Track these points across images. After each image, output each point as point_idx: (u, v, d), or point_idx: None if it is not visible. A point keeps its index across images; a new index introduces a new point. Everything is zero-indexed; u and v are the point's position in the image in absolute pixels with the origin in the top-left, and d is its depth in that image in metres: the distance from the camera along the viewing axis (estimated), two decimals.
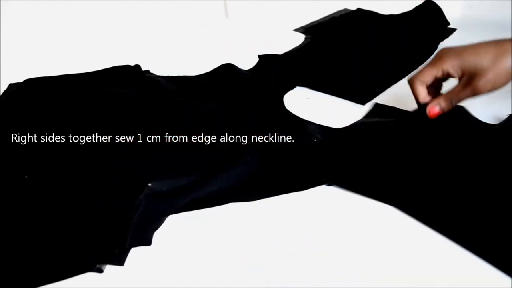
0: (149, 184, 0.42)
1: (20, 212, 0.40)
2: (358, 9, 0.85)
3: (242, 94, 0.58)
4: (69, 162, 0.46)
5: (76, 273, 0.34)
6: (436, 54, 0.47)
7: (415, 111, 0.50)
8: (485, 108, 0.51)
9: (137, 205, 0.40)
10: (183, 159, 0.46)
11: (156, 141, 0.48)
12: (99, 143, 0.48)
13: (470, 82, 0.44)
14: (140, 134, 0.49)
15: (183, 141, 0.48)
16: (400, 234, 0.38)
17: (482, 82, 0.43)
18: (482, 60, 0.44)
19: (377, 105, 0.56)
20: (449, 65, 0.45)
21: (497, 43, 0.46)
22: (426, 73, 0.46)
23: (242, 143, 0.48)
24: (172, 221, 0.39)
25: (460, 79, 0.45)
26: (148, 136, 0.49)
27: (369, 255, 0.35)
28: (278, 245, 0.37)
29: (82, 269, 0.35)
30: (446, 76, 0.46)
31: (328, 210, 0.40)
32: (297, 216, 0.40)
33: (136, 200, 0.40)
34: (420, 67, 0.50)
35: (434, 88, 0.48)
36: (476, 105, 0.49)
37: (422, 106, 0.47)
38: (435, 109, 0.46)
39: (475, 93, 0.44)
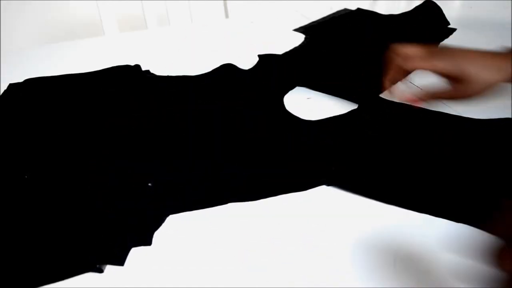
0: (149, 184, 0.42)
1: (20, 212, 0.40)
2: (358, 9, 0.85)
3: (242, 94, 0.58)
4: (69, 162, 0.46)
5: (76, 273, 0.34)
6: (431, 49, 0.49)
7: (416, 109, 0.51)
8: (486, 109, 0.51)
9: (137, 205, 0.40)
10: (183, 159, 0.46)
11: (156, 141, 0.48)
12: (99, 143, 0.48)
13: (456, 85, 0.46)
14: (140, 134, 0.49)
15: (183, 141, 0.48)
16: (400, 234, 0.38)
17: (465, 88, 0.46)
18: (471, 67, 0.46)
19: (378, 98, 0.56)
20: (443, 63, 0.47)
21: (493, 56, 0.47)
22: (420, 63, 0.48)
23: (242, 143, 0.48)
24: (172, 221, 0.39)
25: (447, 78, 0.47)
26: (148, 136, 0.49)
27: (369, 255, 0.35)
28: (278, 245, 0.37)
29: (82, 269, 0.35)
30: (432, 71, 0.48)
31: (328, 210, 0.40)
32: (297, 216, 0.40)
33: (136, 200, 0.40)
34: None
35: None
36: (476, 107, 0.49)
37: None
38: (413, 98, 0.50)
39: (456, 96, 0.47)
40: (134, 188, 0.42)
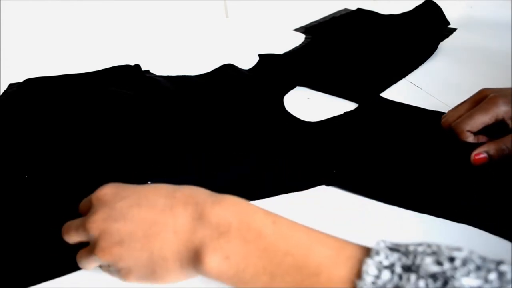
0: (149, 182, 0.42)
1: (21, 212, 0.40)
2: (358, 9, 0.85)
3: (242, 94, 0.58)
4: (69, 162, 0.46)
5: (76, 269, 0.34)
6: (488, 99, 0.42)
7: (415, 108, 0.50)
8: None
9: None
10: (182, 159, 0.46)
11: (155, 141, 0.48)
12: (98, 142, 0.48)
13: None
14: (139, 134, 0.49)
15: (182, 141, 0.48)
16: (400, 234, 0.38)
17: None
18: None
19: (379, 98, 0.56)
20: (504, 112, 0.41)
21: None
22: (478, 121, 0.42)
23: (242, 143, 0.48)
24: None
25: None
26: (147, 136, 0.49)
27: None
28: None
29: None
30: (497, 122, 0.42)
31: (328, 210, 0.40)
32: (297, 216, 0.40)
33: None
34: (462, 111, 0.44)
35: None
36: None
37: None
38: (481, 156, 0.41)
39: None
40: None
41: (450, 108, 0.50)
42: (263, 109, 0.55)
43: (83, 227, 0.29)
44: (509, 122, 0.41)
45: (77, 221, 0.31)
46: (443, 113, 0.51)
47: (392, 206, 0.40)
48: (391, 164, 0.45)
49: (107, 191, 0.30)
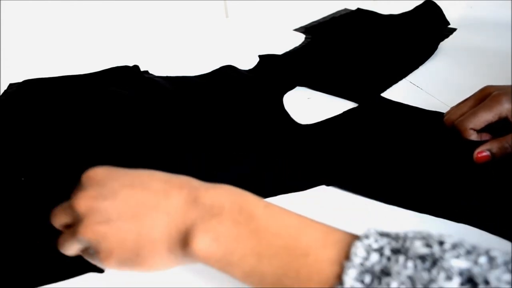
0: None
1: (20, 213, 0.40)
2: (358, 9, 0.85)
3: (242, 95, 0.58)
4: (67, 163, 0.46)
5: (77, 273, 0.34)
6: (492, 97, 0.42)
7: (415, 108, 0.50)
8: None
9: None
10: (182, 159, 0.46)
11: (154, 141, 0.48)
12: (96, 144, 0.48)
13: None
14: (138, 135, 0.49)
15: (181, 141, 0.48)
16: None
17: None
18: None
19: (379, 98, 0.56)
20: (508, 110, 0.40)
21: None
22: (481, 119, 0.42)
23: (242, 143, 0.48)
24: None
25: None
26: (146, 137, 0.49)
27: None
28: None
29: (82, 269, 0.35)
30: (500, 120, 0.41)
31: (328, 210, 0.40)
32: None
33: None
34: (470, 110, 0.43)
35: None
36: None
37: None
38: (484, 154, 0.41)
39: None
40: None
41: (450, 108, 0.50)
42: (263, 110, 0.55)
43: (70, 206, 0.28)
44: None
45: (64, 204, 0.29)
46: (443, 113, 0.51)
47: (392, 206, 0.40)
48: (391, 164, 0.45)
49: (99, 171, 0.28)
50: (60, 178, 0.44)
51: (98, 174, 0.28)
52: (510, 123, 0.41)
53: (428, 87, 0.59)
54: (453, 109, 0.46)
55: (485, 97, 0.43)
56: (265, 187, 0.43)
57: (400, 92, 0.59)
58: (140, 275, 0.34)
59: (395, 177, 0.43)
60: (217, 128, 0.51)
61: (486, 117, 0.41)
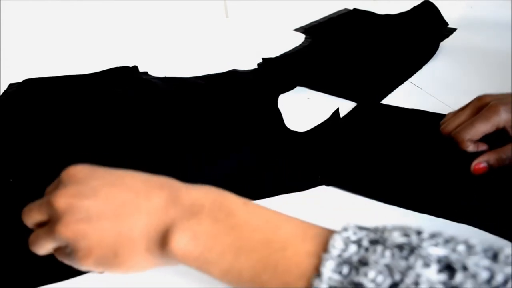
0: None
1: (16, 214, 0.40)
2: (355, 9, 0.85)
3: (242, 96, 0.58)
4: (65, 163, 0.45)
5: (77, 273, 0.34)
6: (489, 107, 0.41)
7: (414, 110, 0.50)
8: None
9: None
10: (181, 160, 0.46)
11: (153, 142, 0.48)
12: (94, 145, 0.48)
13: None
14: (136, 136, 0.49)
15: (181, 141, 0.48)
16: None
17: None
18: None
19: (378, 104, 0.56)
20: (505, 120, 0.40)
21: None
22: (478, 130, 0.41)
23: (242, 143, 0.48)
24: None
25: None
26: (145, 138, 0.49)
27: None
28: None
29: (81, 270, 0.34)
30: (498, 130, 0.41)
31: (328, 210, 0.40)
32: (297, 216, 0.40)
33: None
34: (466, 121, 0.43)
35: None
36: None
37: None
38: (481, 166, 0.41)
39: None
40: None
41: (450, 109, 0.50)
42: (263, 110, 0.55)
43: (47, 203, 0.27)
44: (509, 130, 0.40)
45: (40, 200, 0.29)
46: (442, 114, 0.51)
47: (392, 206, 0.40)
48: (391, 164, 0.45)
49: (80, 169, 0.28)
50: (50, 179, 0.44)
51: (79, 172, 0.28)
52: (507, 132, 0.41)
53: (428, 87, 0.59)
54: (450, 118, 0.45)
55: (482, 106, 0.42)
56: (265, 187, 0.43)
57: (400, 92, 0.59)
58: (140, 275, 0.34)
59: (395, 177, 0.43)
60: (217, 128, 0.51)
61: (483, 128, 0.41)
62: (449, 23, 0.76)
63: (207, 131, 0.50)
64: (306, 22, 0.83)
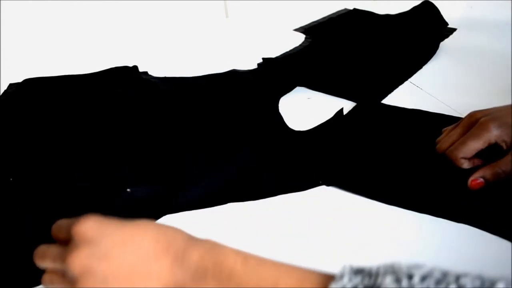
0: (128, 190, 0.42)
1: (20, 214, 0.40)
2: (355, 10, 0.85)
3: (240, 96, 0.58)
4: (64, 163, 0.46)
5: None
6: (479, 124, 0.41)
7: (414, 110, 0.50)
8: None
9: (132, 205, 0.40)
10: (181, 160, 0.46)
11: (152, 142, 0.48)
12: (93, 145, 0.48)
13: None
14: (136, 136, 0.49)
15: (180, 142, 0.48)
16: (400, 234, 0.38)
17: None
18: None
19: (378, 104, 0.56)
20: (496, 136, 0.41)
21: None
22: (471, 148, 0.41)
23: (241, 144, 0.48)
24: (172, 220, 0.39)
25: (509, 148, 0.40)
26: (144, 138, 0.49)
27: (369, 255, 0.35)
28: (278, 245, 0.37)
29: None
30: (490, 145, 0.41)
31: (328, 210, 0.40)
32: (297, 216, 0.40)
33: (132, 200, 0.41)
34: (458, 138, 0.43)
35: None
36: (476, 107, 0.49)
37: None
38: (478, 181, 0.41)
39: None
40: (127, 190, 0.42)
41: (450, 109, 0.50)
42: (263, 110, 0.55)
43: (62, 260, 0.28)
44: (502, 145, 0.41)
45: (54, 250, 0.30)
46: (442, 114, 0.51)
47: (392, 206, 0.40)
48: (391, 164, 0.45)
49: (89, 227, 0.29)
50: (59, 179, 0.44)
51: (89, 230, 0.29)
52: (500, 147, 0.41)
53: (428, 87, 0.59)
54: (444, 136, 0.45)
55: (472, 124, 0.43)
56: (265, 187, 0.43)
57: (400, 92, 0.59)
58: None
59: (395, 177, 0.43)
60: (217, 128, 0.51)
61: (475, 145, 0.41)
62: (449, 23, 0.76)
63: (207, 131, 0.50)
64: (306, 22, 0.83)
